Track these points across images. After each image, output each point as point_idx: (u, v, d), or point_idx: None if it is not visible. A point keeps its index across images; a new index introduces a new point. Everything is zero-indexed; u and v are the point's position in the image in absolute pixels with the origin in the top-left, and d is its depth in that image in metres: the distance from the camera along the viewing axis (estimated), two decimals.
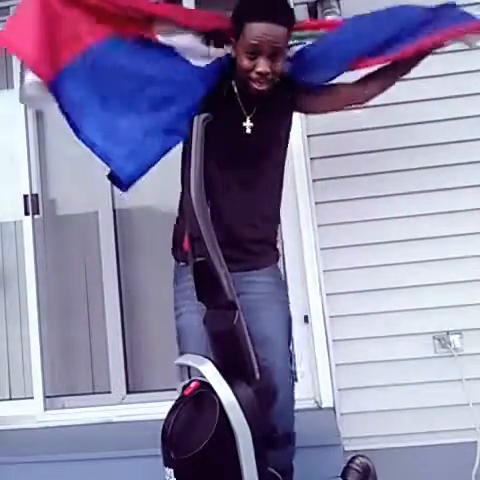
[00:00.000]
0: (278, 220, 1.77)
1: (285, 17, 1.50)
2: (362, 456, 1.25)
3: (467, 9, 1.75)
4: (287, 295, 1.70)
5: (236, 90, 1.61)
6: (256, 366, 1.08)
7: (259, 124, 1.61)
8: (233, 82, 1.61)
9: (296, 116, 2.42)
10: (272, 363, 1.46)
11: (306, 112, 1.84)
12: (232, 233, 1.55)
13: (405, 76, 1.77)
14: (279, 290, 1.65)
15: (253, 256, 1.62)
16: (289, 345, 1.61)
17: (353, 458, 1.25)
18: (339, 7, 2.33)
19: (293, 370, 1.63)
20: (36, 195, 2.64)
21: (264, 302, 1.57)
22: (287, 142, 1.71)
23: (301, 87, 1.66)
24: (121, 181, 1.55)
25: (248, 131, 1.60)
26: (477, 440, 2.19)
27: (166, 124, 1.57)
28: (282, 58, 1.52)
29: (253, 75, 1.51)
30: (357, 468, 1.21)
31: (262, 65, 1.49)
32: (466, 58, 2.35)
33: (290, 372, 1.57)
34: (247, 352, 1.07)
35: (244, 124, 1.60)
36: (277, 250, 1.72)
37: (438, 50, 2.35)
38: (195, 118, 1.16)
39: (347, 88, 1.71)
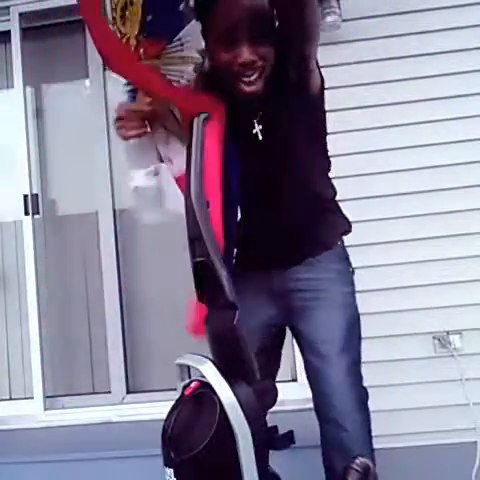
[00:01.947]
0: (322, 198, 1.49)
1: None
2: (362, 456, 1.25)
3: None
4: (346, 291, 1.47)
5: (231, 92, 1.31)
6: (256, 366, 1.08)
7: (270, 121, 1.34)
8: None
9: None
10: (318, 368, 1.38)
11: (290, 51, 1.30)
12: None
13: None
14: (332, 285, 1.44)
15: (296, 249, 1.43)
16: (348, 348, 1.41)
17: (353, 458, 1.25)
18: (339, 7, 2.33)
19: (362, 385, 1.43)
20: (36, 195, 2.65)
21: (313, 301, 1.41)
22: (314, 115, 1.42)
23: None
24: None
25: (260, 137, 1.34)
26: (477, 440, 2.19)
27: None
28: (270, 38, 1.22)
29: (235, 68, 1.22)
30: (357, 468, 1.21)
31: (244, 53, 1.19)
32: (466, 58, 2.36)
33: (350, 384, 1.37)
34: (247, 352, 1.07)
35: (254, 131, 1.34)
36: (330, 233, 1.47)
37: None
38: (195, 118, 1.16)
39: None
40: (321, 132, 1.49)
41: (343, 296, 1.45)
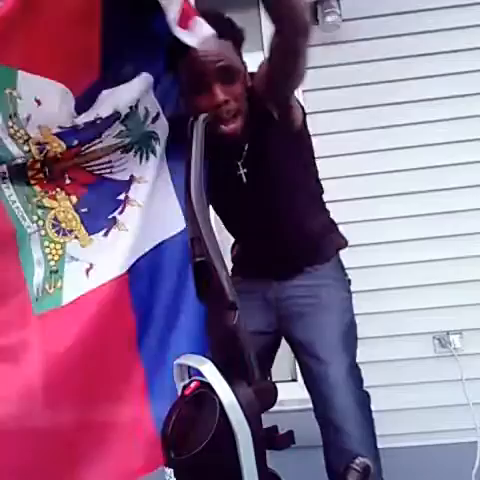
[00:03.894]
0: (316, 218, 1.54)
1: (223, 30, 1.23)
2: (362, 456, 1.25)
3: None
4: (342, 297, 1.48)
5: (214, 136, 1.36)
6: (256, 366, 1.08)
7: (254, 163, 1.37)
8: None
9: None
10: (318, 371, 1.37)
11: (277, 94, 1.34)
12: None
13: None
14: (328, 291, 1.46)
15: (291, 266, 1.48)
16: (347, 352, 1.40)
17: (353, 458, 1.25)
18: (339, 7, 2.33)
19: (361, 386, 1.41)
20: None
21: (307, 307, 1.43)
22: (301, 149, 1.45)
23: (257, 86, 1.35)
24: None
25: (244, 180, 1.38)
26: (477, 440, 2.19)
27: None
28: (239, 79, 1.28)
29: (212, 111, 1.23)
30: (357, 468, 1.21)
31: (216, 95, 1.24)
32: (467, 58, 2.36)
33: (350, 387, 1.36)
34: (247, 352, 1.07)
35: (239, 173, 1.38)
36: (326, 248, 1.52)
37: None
38: (195, 119, 1.16)
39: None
40: (309, 161, 1.52)
41: (340, 301, 1.46)
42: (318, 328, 1.41)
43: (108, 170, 1.34)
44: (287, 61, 1.22)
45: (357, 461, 1.21)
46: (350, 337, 1.44)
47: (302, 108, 1.43)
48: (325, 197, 2.47)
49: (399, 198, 2.35)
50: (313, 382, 1.40)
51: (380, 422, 2.24)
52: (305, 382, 1.45)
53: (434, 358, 2.30)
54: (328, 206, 2.41)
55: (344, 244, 1.57)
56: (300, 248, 1.47)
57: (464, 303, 2.29)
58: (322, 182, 2.46)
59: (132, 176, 1.35)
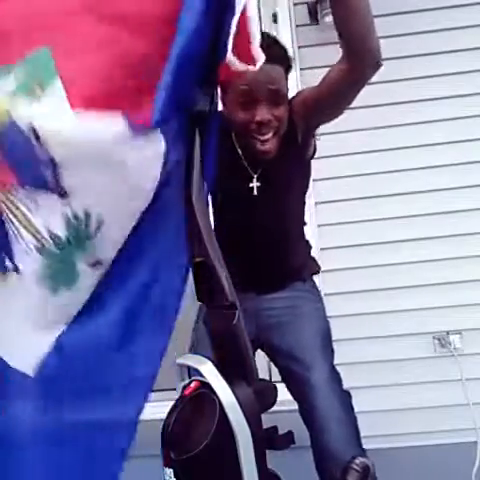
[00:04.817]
0: (302, 243, 1.62)
1: (278, 55, 1.31)
2: (362, 456, 1.25)
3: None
4: (318, 307, 1.56)
5: (237, 145, 1.42)
6: (256, 366, 1.08)
7: (268, 180, 1.42)
8: (233, 136, 1.42)
9: None
10: (302, 375, 1.39)
11: (312, 121, 1.42)
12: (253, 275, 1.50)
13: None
14: (304, 302, 1.53)
15: (275, 284, 1.54)
16: (325, 355, 1.44)
17: (353, 458, 1.25)
18: None
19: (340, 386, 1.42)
20: None
21: (286, 316, 1.48)
22: (305, 178, 1.53)
23: (296, 103, 1.41)
24: None
25: (255, 192, 1.42)
26: (477, 440, 2.19)
27: None
28: (283, 103, 1.33)
29: (252, 126, 1.31)
30: (357, 468, 1.21)
31: (261, 113, 1.29)
32: (469, 57, 2.36)
33: (333, 387, 1.38)
34: (247, 352, 1.07)
35: (251, 185, 1.42)
36: (305, 270, 1.59)
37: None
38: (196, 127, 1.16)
39: (333, 68, 1.38)
40: (306, 190, 1.58)
41: (315, 310, 1.52)
42: (297, 333, 1.45)
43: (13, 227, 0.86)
44: (349, 94, 1.30)
45: (357, 461, 1.21)
46: (328, 341, 1.49)
47: (315, 145, 1.50)
48: (324, 197, 2.49)
49: (399, 198, 2.35)
50: (297, 386, 1.42)
51: (380, 422, 2.25)
52: (287, 386, 1.46)
53: (434, 358, 2.30)
54: (329, 206, 2.43)
55: (318, 270, 1.65)
56: (287, 269, 1.53)
57: (464, 303, 2.29)
58: (322, 182, 2.48)
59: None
